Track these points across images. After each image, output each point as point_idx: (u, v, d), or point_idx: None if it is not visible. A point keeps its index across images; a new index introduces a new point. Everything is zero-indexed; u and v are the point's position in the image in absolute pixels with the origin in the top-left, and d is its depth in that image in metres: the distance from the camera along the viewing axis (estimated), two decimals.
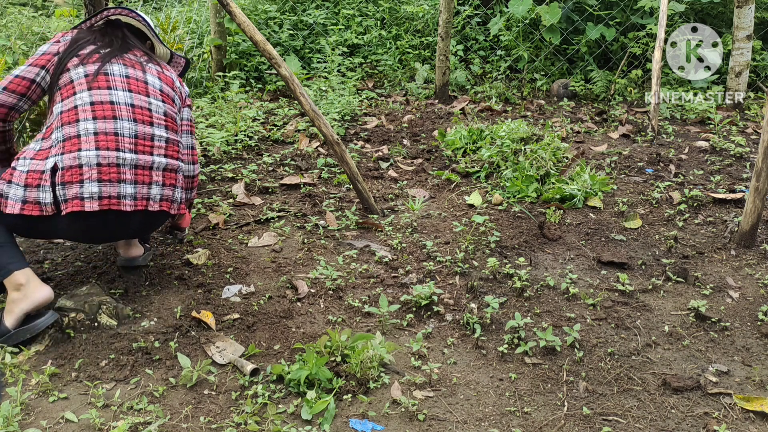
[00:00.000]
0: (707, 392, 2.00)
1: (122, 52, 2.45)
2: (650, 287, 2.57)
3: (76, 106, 2.27)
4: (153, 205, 2.33)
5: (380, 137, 4.28)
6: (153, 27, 2.59)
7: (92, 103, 2.28)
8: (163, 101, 2.44)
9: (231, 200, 3.30)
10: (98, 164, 2.21)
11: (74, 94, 2.30)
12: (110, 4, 6.22)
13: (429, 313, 2.40)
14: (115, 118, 2.29)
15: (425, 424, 1.87)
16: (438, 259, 2.75)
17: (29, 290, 2.18)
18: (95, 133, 2.24)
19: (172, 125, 2.44)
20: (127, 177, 2.26)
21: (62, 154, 2.20)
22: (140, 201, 2.29)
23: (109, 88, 2.33)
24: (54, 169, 2.19)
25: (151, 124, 2.36)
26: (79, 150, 2.21)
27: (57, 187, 2.18)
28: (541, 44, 5.44)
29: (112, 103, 2.31)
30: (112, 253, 2.77)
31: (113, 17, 2.53)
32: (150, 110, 2.38)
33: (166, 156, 2.38)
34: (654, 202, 3.29)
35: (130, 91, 2.36)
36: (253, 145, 4.01)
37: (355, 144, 4.14)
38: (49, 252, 2.83)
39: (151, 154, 2.34)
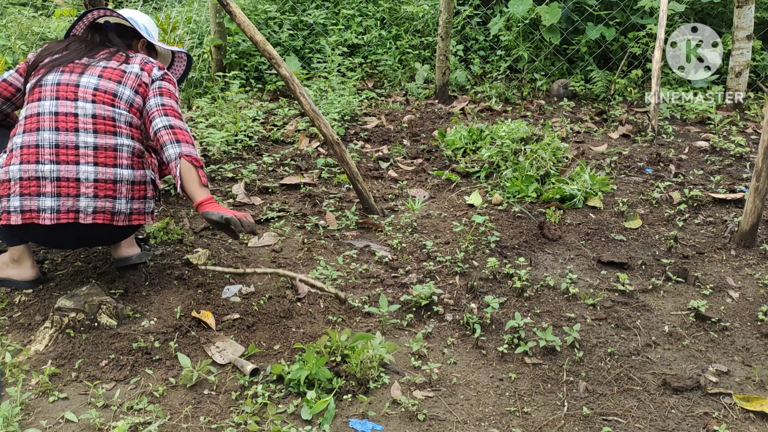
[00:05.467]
0: (707, 392, 2.00)
1: (84, 56, 2.41)
2: (650, 287, 2.57)
3: (19, 122, 2.34)
4: (84, 218, 2.27)
5: (380, 137, 4.28)
6: (140, 26, 2.55)
7: (25, 117, 2.32)
8: (94, 102, 2.32)
9: (231, 200, 3.30)
10: (20, 178, 2.24)
11: (23, 108, 2.37)
12: (110, 5, 6.23)
13: (429, 313, 2.40)
14: (38, 130, 2.28)
15: (425, 424, 1.87)
16: (438, 259, 2.75)
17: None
18: (21, 147, 2.27)
19: (105, 128, 2.31)
20: (47, 190, 2.24)
21: (1, 167, 2.29)
22: (65, 214, 2.25)
23: (39, 99, 2.31)
24: None
25: (76, 130, 2.28)
26: (10, 165, 2.27)
27: None
28: (541, 44, 5.44)
29: (38, 114, 2.29)
30: (112, 254, 2.77)
31: (100, 20, 2.52)
32: (76, 115, 2.29)
33: (96, 164, 2.28)
34: (654, 202, 3.29)
35: (57, 98, 2.30)
36: (253, 145, 4.01)
37: (355, 144, 4.14)
38: (49, 252, 2.83)
39: (77, 163, 2.26)
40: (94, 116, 2.31)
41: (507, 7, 5.52)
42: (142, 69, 2.41)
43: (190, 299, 2.46)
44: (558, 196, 3.30)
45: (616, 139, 4.27)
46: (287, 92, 5.18)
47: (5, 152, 2.36)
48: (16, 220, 2.25)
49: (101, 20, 2.53)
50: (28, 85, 2.38)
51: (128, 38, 2.57)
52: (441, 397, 1.98)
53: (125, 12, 2.57)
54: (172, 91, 2.43)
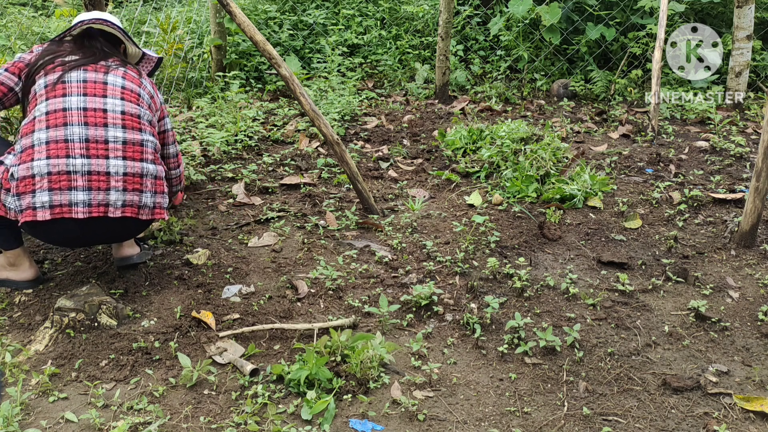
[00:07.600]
0: (707, 392, 2.00)
1: (100, 59, 2.43)
2: (650, 287, 2.57)
3: (34, 117, 2.31)
4: (114, 212, 2.28)
5: (380, 137, 4.28)
6: (122, 28, 2.57)
7: (47, 113, 2.30)
8: (123, 99, 2.37)
9: (231, 200, 3.30)
10: (48, 173, 2.23)
11: (36, 105, 2.33)
12: (110, 5, 6.22)
13: (429, 313, 2.40)
14: (66, 125, 2.27)
15: (425, 424, 1.87)
16: (438, 259, 2.75)
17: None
18: (47, 142, 2.25)
19: (132, 124, 2.37)
20: (78, 184, 2.24)
21: (18, 164, 2.25)
22: (96, 207, 2.26)
23: (64, 95, 2.31)
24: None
25: (105, 125, 2.31)
26: (32, 160, 2.24)
27: (13, 198, 2.24)
28: (541, 44, 5.44)
29: (64, 110, 2.29)
30: (112, 253, 2.77)
31: (86, 27, 2.53)
32: (105, 111, 2.32)
33: (125, 158, 2.31)
34: (654, 202, 3.29)
35: (84, 95, 2.32)
36: (253, 145, 4.01)
37: (355, 144, 4.14)
38: (49, 252, 2.83)
39: (107, 157, 2.29)
40: (123, 113, 2.36)
41: (507, 7, 5.52)
42: (152, 87, 2.55)
43: (190, 299, 2.46)
44: (558, 196, 3.30)
45: (616, 139, 4.27)
46: (287, 92, 5.18)
47: (9, 152, 2.35)
48: (43, 215, 2.22)
49: (86, 27, 2.54)
50: (39, 84, 2.35)
51: (114, 43, 2.59)
52: (441, 397, 1.98)
53: (105, 16, 2.58)
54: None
